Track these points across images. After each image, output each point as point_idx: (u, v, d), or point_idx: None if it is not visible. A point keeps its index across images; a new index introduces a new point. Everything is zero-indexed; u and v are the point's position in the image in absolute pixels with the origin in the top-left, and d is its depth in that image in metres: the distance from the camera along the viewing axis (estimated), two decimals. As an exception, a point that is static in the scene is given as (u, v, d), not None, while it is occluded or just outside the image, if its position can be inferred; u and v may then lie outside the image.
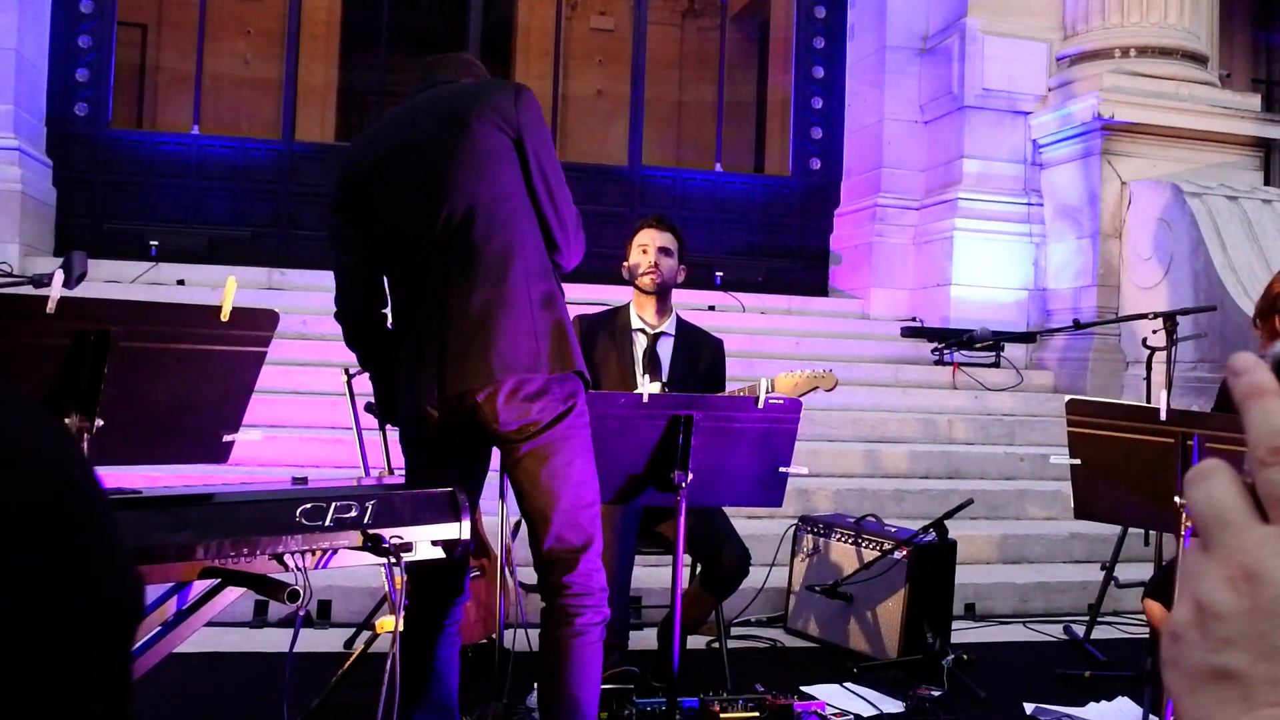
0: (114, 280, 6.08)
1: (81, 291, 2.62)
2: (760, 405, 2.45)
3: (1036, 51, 7.06)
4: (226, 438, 2.01)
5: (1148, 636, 3.41)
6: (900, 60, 7.53)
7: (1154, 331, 3.85)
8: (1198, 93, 6.62)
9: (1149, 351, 4.08)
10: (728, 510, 3.33)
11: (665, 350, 3.33)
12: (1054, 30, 7.10)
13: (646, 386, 2.54)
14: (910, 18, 7.51)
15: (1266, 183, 6.80)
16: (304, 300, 6.10)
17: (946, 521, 3.62)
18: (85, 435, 1.75)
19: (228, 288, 1.85)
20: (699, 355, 3.35)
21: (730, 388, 3.31)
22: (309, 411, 4.81)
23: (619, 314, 3.37)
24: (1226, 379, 0.43)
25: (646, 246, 3.28)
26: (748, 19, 10.89)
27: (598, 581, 2.12)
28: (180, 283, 6.24)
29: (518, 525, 3.36)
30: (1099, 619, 3.97)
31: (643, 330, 3.33)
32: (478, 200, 2.10)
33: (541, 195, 2.15)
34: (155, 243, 6.66)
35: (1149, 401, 3.76)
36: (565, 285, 2.27)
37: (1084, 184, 6.66)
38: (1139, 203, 6.40)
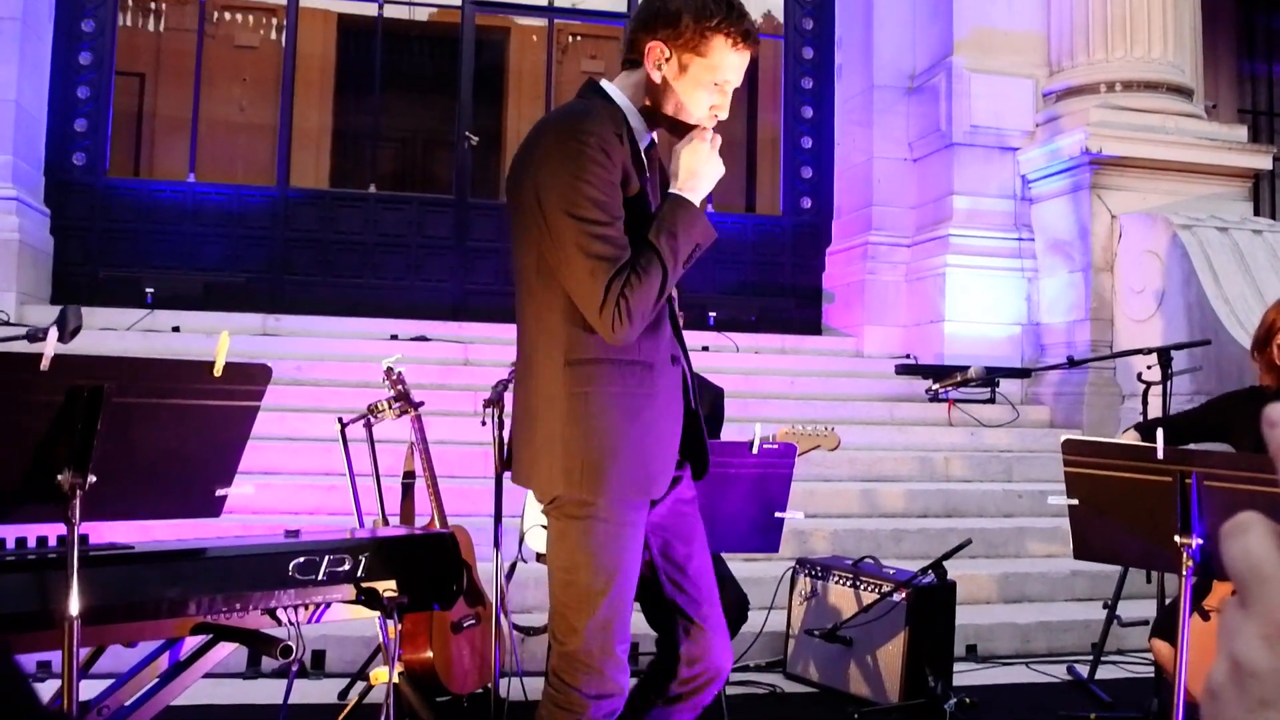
0: (110, 327, 6.08)
1: (78, 339, 2.63)
2: (755, 450, 2.44)
3: (1023, 88, 7.14)
4: (219, 492, 2.01)
5: (1153, 676, 3.38)
6: (888, 99, 7.61)
7: (1149, 366, 3.85)
8: (1184, 125, 6.69)
9: (1144, 385, 4.08)
10: (724, 554, 3.30)
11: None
12: (1039, 67, 7.18)
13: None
14: (897, 57, 7.59)
15: (1256, 213, 6.85)
16: (298, 346, 6.11)
17: (945, 561, 3.60)
18: (78, 491, 1.75)
19: (220, 343, 1.85)
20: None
21: (727, 431, 3.30)
22: (303, 458, 4.79)
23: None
24: (1263, 426, 0.42)
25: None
26: (738, 60, 11.00)
27: (581, 689, 1.81)
28: (175, 329, 6.25)
29: (512, 569, 3.34)
30: (1103, 658, 3.93)
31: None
32: (515, 273, 1.92)
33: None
34: (151, 289, 6.67)
35: (1145, 437, 3.74)
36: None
37: (1074, 218, 6.70)
38: (1129, 236, 6.44)
